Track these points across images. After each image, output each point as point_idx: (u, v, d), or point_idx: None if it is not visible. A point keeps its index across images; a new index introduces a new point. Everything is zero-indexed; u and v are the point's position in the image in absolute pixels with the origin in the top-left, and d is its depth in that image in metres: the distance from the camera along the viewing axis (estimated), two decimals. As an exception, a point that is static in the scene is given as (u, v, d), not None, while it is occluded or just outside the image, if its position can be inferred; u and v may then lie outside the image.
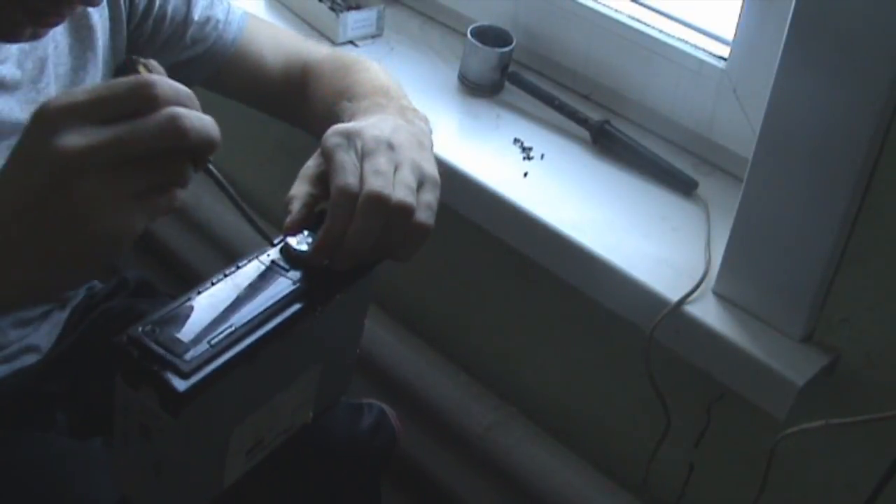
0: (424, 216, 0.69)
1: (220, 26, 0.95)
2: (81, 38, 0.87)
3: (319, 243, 0.66)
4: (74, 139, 0.53)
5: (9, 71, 0.80)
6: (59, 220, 0.53)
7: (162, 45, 0.93)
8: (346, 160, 0.68)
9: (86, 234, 0.53)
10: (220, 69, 0.96)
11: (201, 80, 0.97)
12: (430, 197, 0.70)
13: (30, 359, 0.95)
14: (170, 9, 0.92)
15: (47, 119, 0.54)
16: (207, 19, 0.94)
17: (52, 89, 0.85)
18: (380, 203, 0.66)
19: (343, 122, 0.75)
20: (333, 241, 0.66)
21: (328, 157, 0.69)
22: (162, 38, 0.93)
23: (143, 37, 0.92)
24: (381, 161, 0.68)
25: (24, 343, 0.94)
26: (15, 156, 0.56)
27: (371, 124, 0.72)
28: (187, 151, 0.56)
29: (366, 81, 0.88)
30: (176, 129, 0.54)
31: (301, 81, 0.96)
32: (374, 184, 0.66)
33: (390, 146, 0.70)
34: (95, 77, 0.89)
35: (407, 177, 0.69)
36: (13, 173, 0.56)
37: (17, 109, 0.81)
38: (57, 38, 0.85)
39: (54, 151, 0.53)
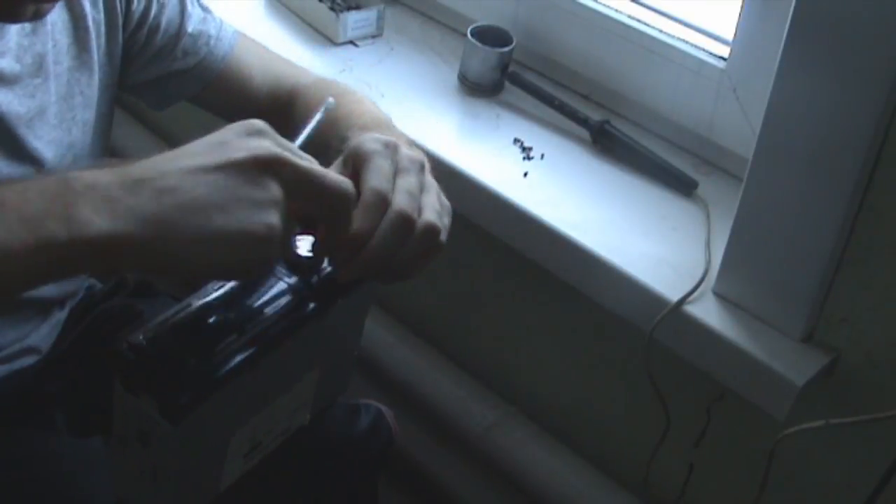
0: (443, 237, 0.69)
1: (212, 42, 0.97)
2: (79, 38, 0.88)
3: (343, 242, 0.64)
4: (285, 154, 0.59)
5: (8, 64, 0.81)
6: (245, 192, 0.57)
7: (154, 55, 0.95)
8: (385, 166, 0.67)
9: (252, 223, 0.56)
10: (209, 85, 0.97)
11: (190, 94, 0.98)
12: (448, 221, 0.71)
13: (29, 359, 0.95)
14: (164, 20, 0.94)
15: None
16: (199, 33, 0.96)
17: (50, 86, 0.85)
18: (407, 222, 0.65)
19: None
20: (361, 242, 0.64)
21: (365, 160, 0.67)
22: (154, 48, 0.94)
23: (136, 45, 0.94)
24: (413, 181, 0.68)
25: (24, 344, 0.94)
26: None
27: (404, 143, 0.72)
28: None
29: (366, 112, 0.88)
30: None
31: (287, 104, 0.97)
32: (404, 202, 0.66)
33: (422, 169, 0.70)
34: (92, 80, 0.89)
35: (434, 201, 0.69)
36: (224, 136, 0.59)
37: (15, 103, 0.82)
38: (56, 35, 0.85)
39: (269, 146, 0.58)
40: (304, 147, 0.65)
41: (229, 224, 0.56)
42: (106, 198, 0.54)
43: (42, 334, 0.96)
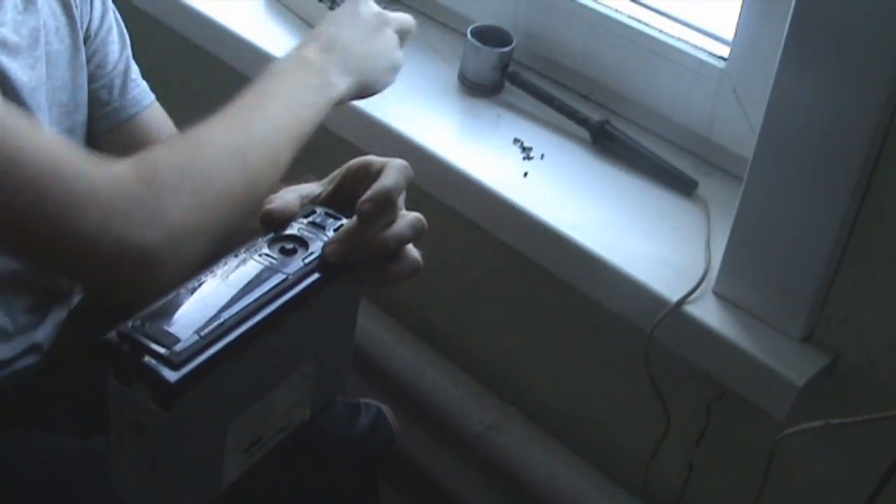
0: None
1: (140, 87, 0.99)
2: (68, 24, 0.91)
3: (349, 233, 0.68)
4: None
5: (8, 34, 0.83)
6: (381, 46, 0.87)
7: (96, 66, 0.96)
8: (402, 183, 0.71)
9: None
10: (117, 128, 0.98)
11: (96, 130, 0.98)
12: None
13: (32, 358, 0.95)
14: (108, 50, 0.97)
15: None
16: (131, 70, 0.99)
17: (43, 62, 0.87)
18: (422, 223, 0.71)
19: None
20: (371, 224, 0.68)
21: (388, 168, 0.72)
22: (92, 65, 0.96)
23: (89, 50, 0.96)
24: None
25: (27, 342, 0.94)
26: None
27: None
28: None
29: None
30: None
31: None
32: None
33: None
34: (81, 63, 0.92)
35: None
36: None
37: (20, 72, 0.84)
38: (44, 17, 0.88)
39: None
40: None
41: (398, 67, 0.89)
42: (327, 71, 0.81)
43: (45, 333, 0.97)
